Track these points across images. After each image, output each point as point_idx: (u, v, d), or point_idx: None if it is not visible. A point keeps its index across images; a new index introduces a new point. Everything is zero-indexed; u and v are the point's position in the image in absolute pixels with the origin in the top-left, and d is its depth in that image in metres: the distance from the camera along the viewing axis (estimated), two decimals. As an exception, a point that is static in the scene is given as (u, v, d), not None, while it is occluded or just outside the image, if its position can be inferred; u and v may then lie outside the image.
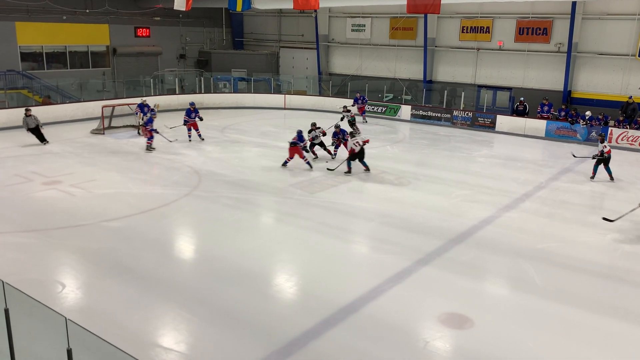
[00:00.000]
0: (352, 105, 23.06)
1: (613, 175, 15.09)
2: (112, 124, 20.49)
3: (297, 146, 15.04)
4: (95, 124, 20.36)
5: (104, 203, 12.14)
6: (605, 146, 14.87)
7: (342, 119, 20.32)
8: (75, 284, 8.44)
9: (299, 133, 15.28)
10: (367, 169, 15.08)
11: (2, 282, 5.14)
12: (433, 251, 9.93)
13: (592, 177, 15.19)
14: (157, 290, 8.25)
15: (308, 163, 15.33)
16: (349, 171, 14.88)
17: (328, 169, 15.24)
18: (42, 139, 17.62)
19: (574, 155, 15.86)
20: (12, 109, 20.84)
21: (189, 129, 18.73)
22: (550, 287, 8.68)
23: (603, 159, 14.90)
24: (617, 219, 7.11)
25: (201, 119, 18.92)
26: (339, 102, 26.47)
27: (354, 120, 20.72)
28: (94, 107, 21.43)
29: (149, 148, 17.24)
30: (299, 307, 8.01)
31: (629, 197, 13.65)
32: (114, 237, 10.25)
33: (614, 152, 18.85)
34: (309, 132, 15.80)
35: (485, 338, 7.18)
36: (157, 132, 17.34)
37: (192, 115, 18.64)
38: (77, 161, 15.76)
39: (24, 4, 24.48)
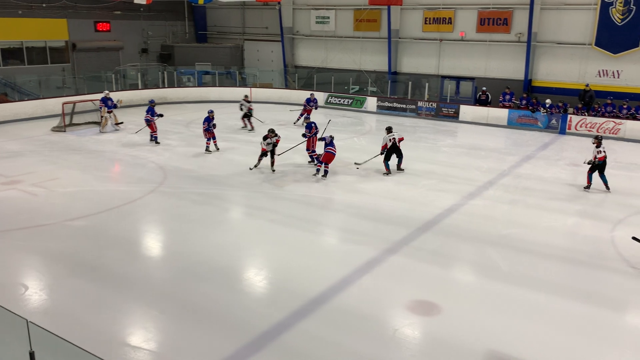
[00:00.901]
0: (306, 104, 21.07)
1: (609, 184, 13.19)
2: (74, 121, 20.00)
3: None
4: (55, 122, 19.84)
5: (67, 202, 11.88)
6: (600, 151, 13.00)
7: (240, 109, 20.02)
8: (38, 286, 8.24)
9: (309, 125, 15.08)
10: (401, 168, 14.66)
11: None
12: (401, 240, 10.06)
13: (587, 187, 13.28)
14: (124, 288, 8.13)
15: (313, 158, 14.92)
16: (388, 172, 14.32)
17: (356, 163, 14.85)
18: None
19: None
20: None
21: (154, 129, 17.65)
22: (514, 272, 8.90)
23: (597, 166, 13.13)
24: None
25: (161, 115, 17.81)
26: (306, 95, 26.38)
27: (251, 113, 19.95)
28: (54, 104, 20.86)
29: (210, 149, 16.45)
30: (269, 300, 8.01)
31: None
32: (78, 236, 10.05)
33: (573, 139, 19.55)
34: (264, 138, 14.19)
35: (452, 324, 7.32)
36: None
37: (154, 114, 17.52)
38: (38, 160, 15.33)
39: (-24, -2, 23.64)
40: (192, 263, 9.02)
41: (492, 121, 22.17)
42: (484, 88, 22.99)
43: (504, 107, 22.26)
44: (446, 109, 23.38)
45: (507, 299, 8.05)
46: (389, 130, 14.48)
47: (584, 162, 13.46)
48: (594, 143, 13.28)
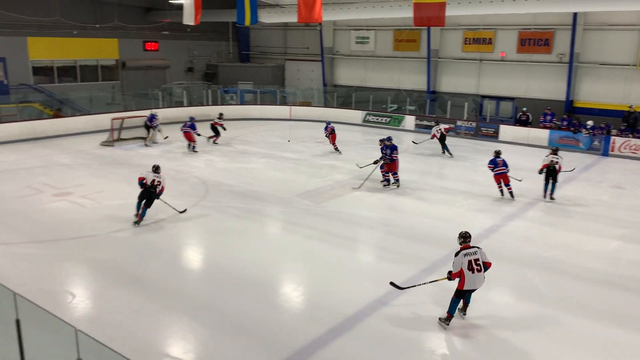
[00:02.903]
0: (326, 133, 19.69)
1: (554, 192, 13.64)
2: (122, 136, 20.77)
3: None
4: (104, 136, 20.65)
5: (113, 214, 12.31)
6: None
7: (216, 127, 20.70)
8: (85, 294, 8.59)
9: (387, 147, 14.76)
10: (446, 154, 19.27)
11: (14, 293, 5.23)
12: (438, 260, 10.02)
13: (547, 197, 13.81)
14: (165, 299, 8.38)
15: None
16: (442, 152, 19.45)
17: (413, 141, 20.59)
18: None
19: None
20: (24, 121, 21.23)
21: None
22: (553, 295, 8.76)
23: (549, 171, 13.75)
24: (407, 287, 7.70)
25: (198, 134, 19.55)
26: (344, 113, 26.77)
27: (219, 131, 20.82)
28: (104, 120, 21.68)
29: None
30: (305, 316, 8.10)
31: (631, 205, 13.75)
32: (123, 248, 10.43)
33: (616, 161, 19.08)
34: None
35: (487, 346, 7.27)
36: None
37: (194, 128, 19.16)
38: (87, 173, 15.99)
39: (35, 19, 24.94)
40: (232, 277, 9.23)
41: (533, 141, 21.82)
42: (525, 108, 22.72)
43: (545, 127, 21.93)
44: (486, 129, 23.19)
45: (545, 321, 7.92)
46: (436, 122, 19.55)
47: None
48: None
